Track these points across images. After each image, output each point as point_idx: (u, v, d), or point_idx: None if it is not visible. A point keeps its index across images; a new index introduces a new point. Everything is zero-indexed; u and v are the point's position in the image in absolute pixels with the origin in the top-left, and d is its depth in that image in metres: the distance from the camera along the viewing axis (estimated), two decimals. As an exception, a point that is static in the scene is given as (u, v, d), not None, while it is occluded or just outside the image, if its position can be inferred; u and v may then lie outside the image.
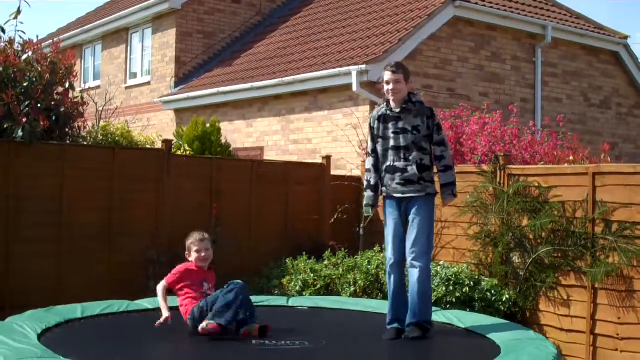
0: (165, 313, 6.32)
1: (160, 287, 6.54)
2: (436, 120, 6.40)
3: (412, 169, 6.30)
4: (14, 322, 6.08)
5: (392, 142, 6.36)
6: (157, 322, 6.27)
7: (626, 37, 16.58)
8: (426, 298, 6.40)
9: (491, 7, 14.29)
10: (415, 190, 6.33)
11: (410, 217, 6.36)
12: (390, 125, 6.39)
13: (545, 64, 15.31)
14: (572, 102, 15.84)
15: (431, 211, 6.42)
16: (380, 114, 6.48)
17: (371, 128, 6.55)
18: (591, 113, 16.17)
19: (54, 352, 5.18)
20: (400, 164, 6.34)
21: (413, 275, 6.31)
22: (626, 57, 16.69)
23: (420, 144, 6.33)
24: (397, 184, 6.35)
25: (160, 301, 6.48)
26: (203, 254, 6.58)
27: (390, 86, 6.34)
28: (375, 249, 9.52)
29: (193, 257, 6.60)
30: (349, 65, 12.65)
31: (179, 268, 6.62)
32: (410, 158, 6.30)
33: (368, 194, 6.64)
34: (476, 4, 14.04)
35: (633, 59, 16.79)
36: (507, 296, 8.24)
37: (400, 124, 6.34)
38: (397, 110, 6.37)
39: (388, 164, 6.41)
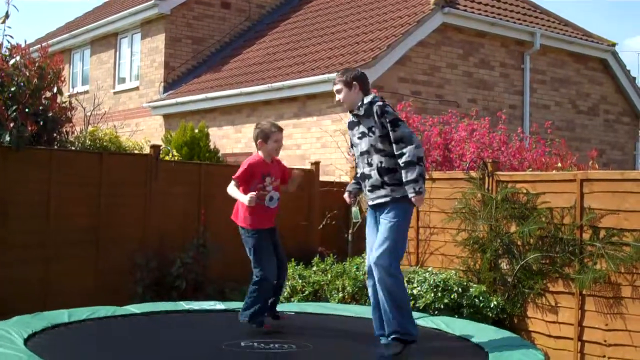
0: (249, 195, 6.29)
1: (231, 186, 6.49)
2: (390, 117, 5.93)
3: (375, 174, 5.99)
4: (0, 328, 6.04)
5: (358, 148, 6.18)
6: (250, 199, 6.26)
7: (614, 45, 16.66)
8: (395, 304, 5.89)
9: (480, 13, 14.34)
10: (382, 196, 6.01)
11: (379, 224, 6.09)
12: (354, 131, 6.21)
13: (534, 70, 15.36)
14: (560, 108, 15.90)
15: (398, 216, 5.95)
16: (349, 121, 6.35)
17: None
18: (579, 120, 16.23)
19: (40, 357, 5.16)
20: (366, 170, 6.10)
21: (375, 277, 5.96)
22: (614, 64, 16.76)
23: (377, 145, 5.96)
24: (368, 191, 6.13)
25: (237, 195, 6.44)
26: (281, 144, 6.57)
27: (336, 97, 6.23)
28: (363, 255, 9.49)
29: (269, 146, 6.46)
30: (338, 71, 12.63)
31: (247, 163, 6.47)
32: (372, 162, 6.01)
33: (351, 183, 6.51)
34: (465, 10, 14.08)
35: (621, 66, 16.87)
36: (495, 302, 8.25)
37: (360, 128, 6.13)
38: (353, 115, 6.22)
39: (359, 171, 6.24)
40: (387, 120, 5.91)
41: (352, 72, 6.21)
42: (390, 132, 5.90)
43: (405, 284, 6.15)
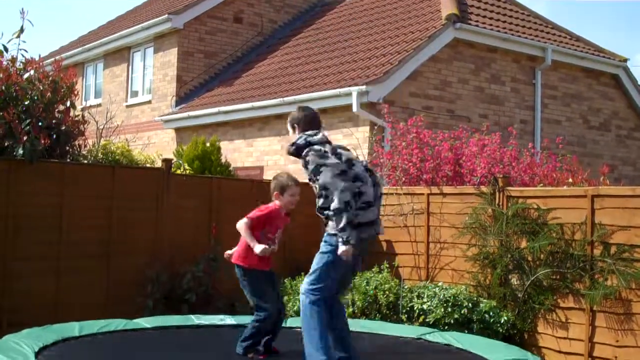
0: (264, 245, 6.17)
1: (243, 225, 6.21)
2: (307, 157, 5.60)
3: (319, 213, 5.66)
4: (11, 340, 6.08)
5: None
6: (264, 249, 6.13)
7: (626, 60, 16.64)
8: (307, 335, 5.63)
9: (491, 29, 14.36)
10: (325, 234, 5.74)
11: None
12: None
13: (545, 86, 15.36)
14: (572, 124, 15.88)
15: (325, 252, 5.62)
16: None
17: None
18: (590, 135, 16.20)
19: (51, 371, 5.18)
20: None
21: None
22: (626, 80, 16.74)
23: (314, 185, 5.62)
24: None
25: (248, 237, 6.17)
26: (297, 198, 6.41)
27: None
28: (373, 269, 9.51)
29: (285, 199, 6.34)
30: (349, 86, 12.70)
31: (268, 210, 6.34)
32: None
33: None
34: (476, 26, 14.12)
35: (632, 82, 16.85)
36: (506, 318, 8.23)
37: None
38: None
39: None
40: (305, 161, 5.63)
41: (296, 114, 5.98)
42: (311, 175, 5.59)
43: (320, 318, 5.59)
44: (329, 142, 5.80)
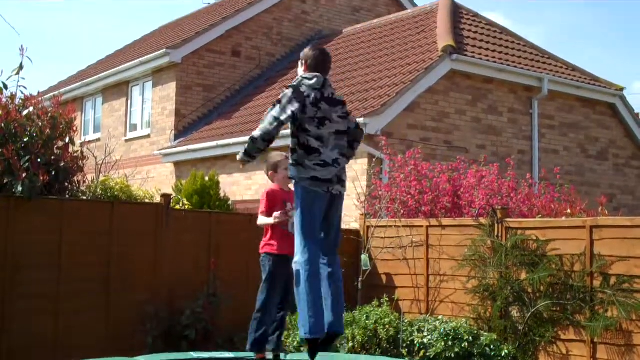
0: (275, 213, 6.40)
1: (260, 217, 6.55)
2: (281, 93, 5.73)
3: None
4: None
5: None
6: (276, 215, 6.34)
7: (622, 89, 16.72)
8: (298, 302, 5.58)
9: (487, 60, 14.45)
10: None
11: None
12: None
13: (542, 115, 15.42)
14: (570, 153, 15.92)
15: (298, 199, 5.63)
16: None
17: None
18: (588, 164, 16.24)
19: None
20: None
21: None
22: (622, 109, 16.80)
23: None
24: None
25: (264, 220, 6.49)
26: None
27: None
28: (373, 303, 9.49)
29: (280, 175, 6.59)
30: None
31: (266, 194, 6.60)
32: None
33: None
34: (473, 57, 14.20)
35: (629, 110, 16.91)
36: (507, 351, 8.20)
37: None
38: None
39: None
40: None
41: (307, 51, 5.91)
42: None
43: (308, 281, 5.49)
44: (324, 88, 5.72)
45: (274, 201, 6.55)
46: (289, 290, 6.55)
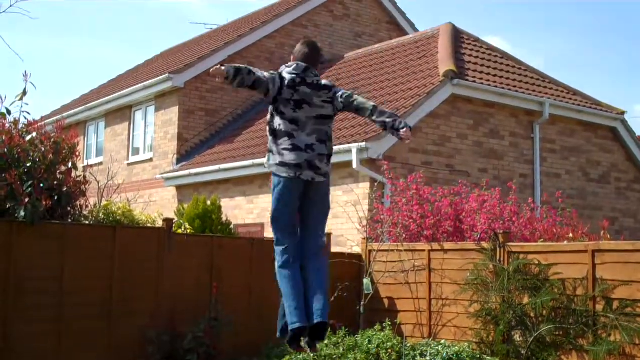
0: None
1: None
2: None
3: None
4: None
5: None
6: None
7: (623, 113, 16.77)
8: (283, 297, 5.49)
9: (489, 84, 14.50)
10: None
11: None
12: None
13: (544, 140, 15.46)
14: (571, 177, 15.93)
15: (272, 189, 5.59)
16: None
17: None
18: (590, 188, 16.25)
19: None
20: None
21: None
22: (624, 132, 16.85)
23: None
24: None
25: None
26: None
27: None
28: (375, 327, 9.47)
29: None
30: (349, 143, 12.79)
31: None
32: None
33: None
34: (474, 81, 14.26)
35: (630, 134, 16.96)
36: (509, 375, 8.17)
37: None
38: None
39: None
40: None
41: (296, 46, 5.88)
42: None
43: (282, 271, 5.46)
44: (305, 74, 5.62)
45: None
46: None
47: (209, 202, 11.98)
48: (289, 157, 5.38)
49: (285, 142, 5.42)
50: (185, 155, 18.24)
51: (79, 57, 54.49)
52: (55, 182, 9.09)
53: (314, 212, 5.54)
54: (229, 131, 18.72)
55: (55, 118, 16.11)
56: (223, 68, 5.28)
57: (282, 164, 5.39)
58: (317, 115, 5.53)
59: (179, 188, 17.78)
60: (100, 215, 9.82)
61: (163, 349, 9.09)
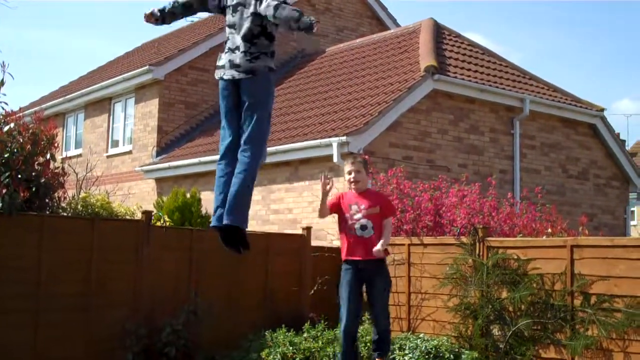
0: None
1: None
2: None
3: None
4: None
5: None
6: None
7: (602, 110, 16.87)
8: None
9: (469, 80, 14.53)
10: None
11: None
12: None
13: (524, 136, 15.52)
14: (551, 173, 16.01)
15: None
16: None
17: None
18: (569, 184, 16.34)
19: None
20: None
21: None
22: (603, 129, 16.95)
23: None
24: None
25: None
26: (353, 175, 6.80)
27: None
28: (355, 321, 9.46)
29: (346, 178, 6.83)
30: (329, 137, 12.77)
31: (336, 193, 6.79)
32: None
33: None
34: (455, 77, 14.28)
35: (610, 131, 17.06)
36: (488, 369, 8.21)
37: None
38: None
39: None
40: None
41: None
42: None
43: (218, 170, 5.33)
44: None
45: (339, 205, 6.75)
46: (374, 302, 6.45)
47: (188, 195, 11.91)
48: (218, 61, 5.27)
49: (224, 49, 5.29)
50: (165, 147, 18.15)
51: (58, 48, 54.08)
52: (34, 174, 9.00)
53: (242, 107, 5.21)
54: (209, 124, 18.64)
55: (34, 109, 15.95)
56: (148, 11, 5.39)
57: (215, 68, 5.28)
58: (252, 13, 5.17)
59: (158, 181, 17.69)
60: (79, 207, 9.73)
61: (141, 342, 9.04)
